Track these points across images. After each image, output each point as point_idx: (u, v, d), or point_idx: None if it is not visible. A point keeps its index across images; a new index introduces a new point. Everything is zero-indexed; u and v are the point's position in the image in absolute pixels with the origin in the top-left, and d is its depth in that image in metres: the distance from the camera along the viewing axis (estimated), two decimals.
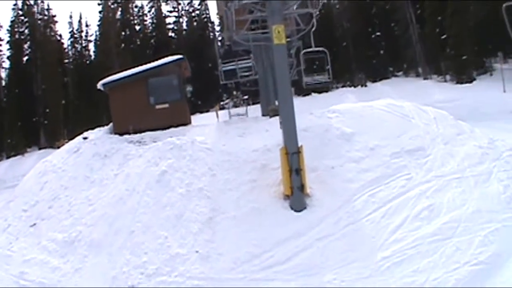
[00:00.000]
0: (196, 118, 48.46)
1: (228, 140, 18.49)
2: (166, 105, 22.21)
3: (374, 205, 14.98)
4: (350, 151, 17.15)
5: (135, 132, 21.37)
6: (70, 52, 62.56)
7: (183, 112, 22.50)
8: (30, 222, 16.91)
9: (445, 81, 43.24)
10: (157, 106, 22.21)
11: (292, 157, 14.98)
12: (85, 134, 22.86)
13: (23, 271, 14.80)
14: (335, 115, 19.08)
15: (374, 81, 49.10)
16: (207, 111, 55.99)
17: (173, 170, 16.37)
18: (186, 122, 22.40)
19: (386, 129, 18.44)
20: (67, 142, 25.72)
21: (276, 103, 23.96)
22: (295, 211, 14.90)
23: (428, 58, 45.60)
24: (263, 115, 23.91)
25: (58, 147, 24.76)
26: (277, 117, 20.28)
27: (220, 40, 49.30)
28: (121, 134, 21.39)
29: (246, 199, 15.28)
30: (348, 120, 18.79)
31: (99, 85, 22.88)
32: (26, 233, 16.51)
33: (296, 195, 14.96)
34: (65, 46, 62.68)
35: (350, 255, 13.35)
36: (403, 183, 15.92)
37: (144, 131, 21.18)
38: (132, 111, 22.02)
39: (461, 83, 40.48)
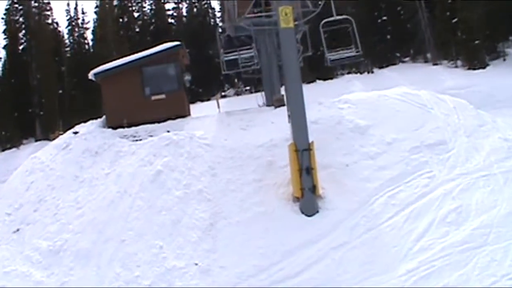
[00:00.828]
0: (197, 107, 46.94)
1: (230, 134, 16.85)
2: (163, 96, 20.52)
3: (394, 208, 13.39)
4: (365, 146, 15.53)
5: (130, 126, 19.70)
6: (68, 41, 60.80)
7: (181, 103, 20.81)
8: (14, 227, 15.32)
9: (456, 66, 41.42)
10: (153, 97, 20.51)
11: (303, 154, 13.37)
12: (76, 128, 21.27)
13: (4, 285, 13.21)
14: (347, 106, 17.41)
15: (380, 67, 47.32)
16: (208, 99, 54.39)
17: (169, 169, 14.77)
18: (185, 114, 20.72)
19: (403, 120, 16.82)
20: (62, 134, 24.21)
21: (282, 92, 22.39)
22: (306, 215, 13.33)
23: (438, 43, 43.74)
24: (267, 105, 22.23)
25: (53, 140, 23.22)
26: (283, 108, 18.89)
27: (221, 30, 47.70)
28: (114, 128, 19.74)
29: (251, 202, 13.69)
30: (361, 111, 17.12)
31: (90, 75, 21.20)
32: (9, 240, 14.92)
33: (307, 197, 13.36)
34: (63, 34, 60.98)
35: (369, 267, 11.76)
36: (425, 182, 14.32)
37: (139, 124, 19.49)
38: (126, 102, 20.31)
39: (474, 69, 38.71)
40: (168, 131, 18.74)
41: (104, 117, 20.92)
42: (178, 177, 14.49)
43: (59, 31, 60.74)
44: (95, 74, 20.95)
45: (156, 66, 20.76)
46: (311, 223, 13.12)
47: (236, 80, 56.28)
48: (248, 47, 20.32)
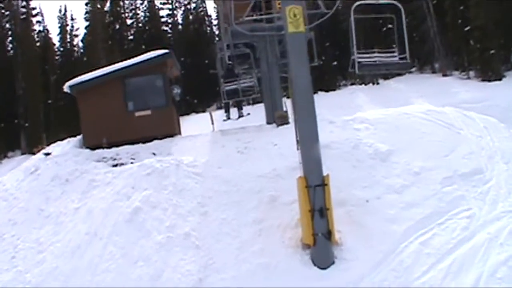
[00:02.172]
0: (191, 119, 44.48)
1: (224, 160, 14.20)
2: (148, 112, 17.92)
3: (429, 259, 10.72)
4: (389, 176, 12.88)
5: (110, 146, 17.22)
6: (58, 49, 58.05)
7: (169, 121, 18.16)
8: None
9: (468, 78, 38.80)
10: (137, 113, 17.95)
11: (315, 191, 10.64)
12: (49, 147, 18.58)
13: None
14: (364, 126, 14.77)
15: (386, 78, 44.66)
16: (203, 111, 51.72)
17: (149, 206, 12.08)
18: (173, 133, 18.08)
19: (431, 144, 14.22)
20: (45, 148, 21.67)
21: (284, 108, 19.74)
22: (320, 267, 10.67)
23: (449, 52, 41.08)
24: (268, 123, 19.58)
25: (34, 154, 20.58)
26: (287, 127, 16.26)
27: (217, 38, 45.00)
28: (92, 149, 17.17)
29: (250, 250, 11.02)
30: (381, 132, 14.49)
31: (66, 87, 18.50)
32: None
33: (321, 245, 10.67)
34: (53, 41, 58.32)
35: None
36: (464, 223, 11.65)
37: (121, 145, 17.01)
38: (105, 119, 17.78)
39: (488, 80, 36.12)
40: (154, 154, 16.18)
41: (81, 136, 18.29)
42: (160, 216, 11.79)
43: (50, 38, 57.99)
44: (70, 87, 18.33)
45: (141, 78, 18.21)
46: (326, 279, 10.45)
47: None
48: (250, 76, 18.37)
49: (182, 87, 20.23)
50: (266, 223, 11.57)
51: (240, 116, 18.53)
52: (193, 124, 38.95)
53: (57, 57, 57.18)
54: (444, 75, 40.77)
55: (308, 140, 10.86)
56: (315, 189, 10.67)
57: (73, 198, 13.65)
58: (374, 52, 13.72)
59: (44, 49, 55.18)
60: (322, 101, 39.37)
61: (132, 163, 15.84)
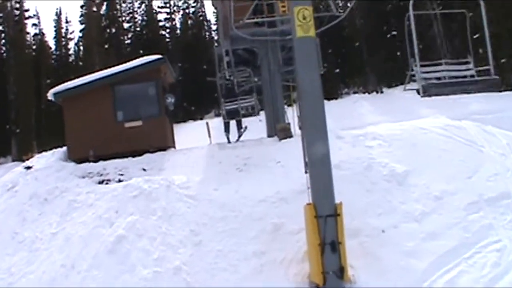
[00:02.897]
0: (188, 127, 42.93)
1: (221, 180, 12.72)
2: (139, 123, 16.47)
3: None
4: (406, 201, 11.42)
5: (97, 160, 15.84)
6: (54, 53, 56.48)
7: (162, 133, 16.68)
8: None
9: None
10: (127, 124, 16.49)
11: (326, 223, 9.14)
12: (31, 160, 17.13)
13: None
14: (376, 143, 13.31)
15: (389, 86, 43.19)
16: (201, 118, 50.31)
17: (135, 234, 10.55)
18: (166, 146, 16.58)
19: (451, 164, 12.78)
20: (33, 156, 20.31)
21: (286, 119, 18.27)
22: None
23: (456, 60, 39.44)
24: (269, 135, 18.10)
25: (24, 161, 19.14)
26: (290, 141, 14.91)
27: (216, 43, 43.47)
28: (78, 162, 15.67)
29: None
30: (397, 150, 13.02)
31: (50, 95, 17.00)
32: None
33: (331, 285, 9.15)
34: (49, 45, 56.73)
35: None
36: (494, 258, 10.18)
37: (109, 158, 15.59)
38: (93, 130, 16.39)
39: (499, 90, 34.36)
40: (144, 169, 14.71)
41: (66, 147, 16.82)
42: (147, 246, 10.27)
43: (45, 41, 56.42)
44: (54, 94, 16.81)
45: (132, 85, 16.77)
46: None
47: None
48: (249, 96, 16.80)
49: (180, 93, 18.92)
50: (268, 256, 10.07)
51: (240, 136, 16.99)
52: (190, 132, 37.50)
53: (52, 61, 55.58)
54: None
55: (318, 162, 9.38)
56: (326, 219, 9.18)
57: (51, 221, 12.15)
58: (440, 64, 11.04)
59: (39, 53, 53.64)
60: (325, 111, 38.03)
61: (120, 180, 14.46)
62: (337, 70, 45.46)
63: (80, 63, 50.73)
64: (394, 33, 44.29)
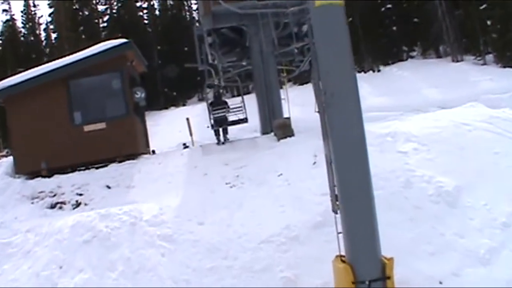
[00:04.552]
0: (169, 116, 39.32)
1: (207, 205, 9.48)
2: (102, 125, 13.14)
3: None
4: (464, 232, 8.38)
5: (51, 174, 12.72)
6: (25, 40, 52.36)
7: (131, 136, 13.41)
8: None
9: (485, 63, 34.04)
10: (87, 128, 13.22)
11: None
12: None
13: None
14: (411, 147, 10.12)
15: (386, 64, 39.83)
16: (184, 104, 46.87)
17: None
18: (137, 152, 13.26)
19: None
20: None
21: (285, 114, 15.03)
22: None
23: (459, 34, 36.10)
24: (264, 132, 14.94)
25: None
26: (289, 140, 12.46)
27: (197, 23, 39.86)
28: (29, 176, 12.83)
29: None
30: (439, 157, 9.84)
31: None
32: None
33: None
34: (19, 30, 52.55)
35: None
36: None
37: (66, 172, 12.66)
38: (44, 136, 13.24)
39: (510, 66, 31.39)
40: (109, 187, 11.51)
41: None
42: None
43: (16, 28, 52.17)
44: None
45: (91, 78, 13.56)
46: None
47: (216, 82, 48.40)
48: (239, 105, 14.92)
49: (161, 78, 15.90)
50: None
51: (226, 140, 14.00)
52: (172, 121, 34.13)
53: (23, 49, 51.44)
54: (456, 61, 35.94)
55: (354, 190, 6.10)
56: (370, 285, 5.95)
57: None
58: None
59: (10, 40, 49.57)
60: None
61: (77, 202, 11.35)
62: None
63: (48, 50, 46.69)
64: (389, 6, 40.84)
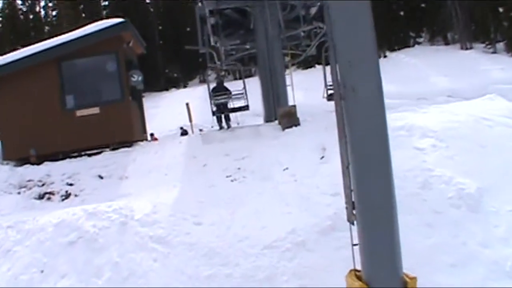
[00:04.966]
0: (170, 98, 38.43)
1: (205, 201, 8.72)
2: (96, 110, 12.35)
3: None
4: (489, 242, 7.69)
5: (40, 161, 12.01)
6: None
7: (126, 122, 12.68)
8: None
9: (495, 52, 33.08)
10: (79, 112, 12.49)
11: None
12: None
13: None
14: (428, 143, 9.30)
15: (392, 50, 38.84)
16: (185, 86, 46.00)
17: None
18: (132, 139, 12.51)
19: None
20: None
21: (290, 103, 14.25)
22: None
23: (469, 22, 34.95)
24: (268, 120, 14.19)
25: None
26: (295, 130, 11.67)
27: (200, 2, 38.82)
28: (18, 163, 12.20)
29: None
30: (459, 154, 9.03)
31: None
32: None
33: None
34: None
35: None
36: None
37: (56, 158, 11.96)
38: (34, 121, 12.50)
39: None
40: (101, 177, 10.80)
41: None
42: None
43: (14, 0, 51.06)
44: None
45: (85, 60, 12.78)
46: None
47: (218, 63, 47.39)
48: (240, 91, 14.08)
49: (161, 59, 15.42)
50: None
51: (228, 127, 13.67)
52: (172, 103, 33.34)
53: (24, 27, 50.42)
54: (465, 48, 34.94)
55: (377, 206, 5.32)
56: None
57: None
58: None
59: (9, 17, 48.56)
60: (321, 77, 33.81)
61: (67, 193, 10.64)
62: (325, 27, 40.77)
63: (48, 28, 45.67)
64: None
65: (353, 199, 5.50)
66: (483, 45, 34.82)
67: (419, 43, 40.45)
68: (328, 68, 13.01)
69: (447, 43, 39.05)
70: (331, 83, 12.42)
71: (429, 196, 8.00)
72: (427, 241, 7.37)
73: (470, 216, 7.81)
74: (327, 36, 5.79)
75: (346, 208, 5.70)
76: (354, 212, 5.49)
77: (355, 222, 5.45)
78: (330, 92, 12.78)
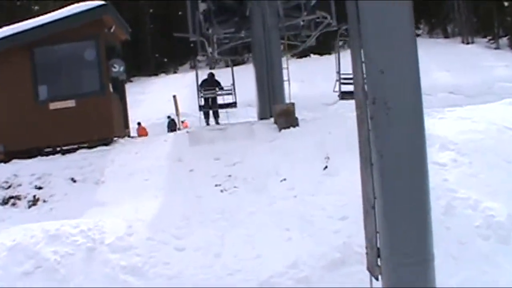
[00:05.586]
0: (159, 84, 37.18)
1: (190, 217, 7.65)
2: (71, 103, 11.03)
3: None
4: None
5: (8, 159, 10.83)
6: None
7: (105, 117, 11.38)
8: None
9: (498, 47, 31.95)
10: (53, 105, 11.19)
11: None
12: None
13: None
14: (449, 157, 8.20)
15: None
16: (175, 71, 44.74)
17: None
18: (112, 136, 11.28)
19: None
20: None
21: (286, 98, 13.13)
22: None
23: (471, 14, 33.78)
24: (261, 118, 13.04)
25: None
26: (292, 131, 10.65)
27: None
28: None
29: None
30: (484, 171, 7.92)
31: None
32: None
33: None
34: None
35: None
36: None
37: (27, 156, 10.73)
38: (3, 114, 11.19)
39: None
40: (74, 180, 9.61)
41: None
42: None
43: None
44: None
45: (60, 46, 11.42)
46: None
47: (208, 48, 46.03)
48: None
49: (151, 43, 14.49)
50: None
51: (217, 123, 12.83)
52: (161, 89, 32.18)
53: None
54: (467, 43, 33.79)
55: (411, 257, 4.13)
56: None
57: None
58: None
59: None
60: (317, 67, 32.57)
61: (35, 198, 9.40)
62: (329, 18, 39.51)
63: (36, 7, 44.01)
64: None
65: (378, 245, 4.32)
66: (485, 39, 33.72)
67: (417, 35, 39.23)
68: (342, 56, 12.03)
69: (446, 36, 37.94)
70: (344, 76, 11.38)
71: (453, 223, 6.82)
72: (452, 279, 6.19)
73: (501, 248, 6.66)
74: (350, 37, 4.53)
75: (367, 254, 4.50)
76: (379, 261, 4.30)
77: (380, 277, 4.26)
78: (343, 89, 11.63)
